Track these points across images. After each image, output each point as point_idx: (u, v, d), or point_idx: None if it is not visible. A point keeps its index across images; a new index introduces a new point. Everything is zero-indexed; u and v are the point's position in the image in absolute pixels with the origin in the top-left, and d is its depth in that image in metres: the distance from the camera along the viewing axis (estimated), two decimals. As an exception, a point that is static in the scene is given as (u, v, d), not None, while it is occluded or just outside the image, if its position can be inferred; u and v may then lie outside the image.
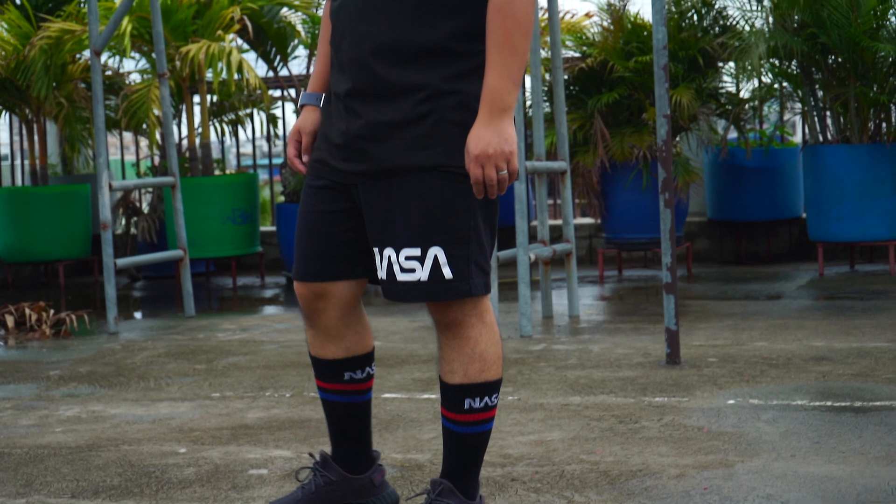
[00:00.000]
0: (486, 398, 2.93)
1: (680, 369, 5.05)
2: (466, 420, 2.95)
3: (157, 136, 9.23)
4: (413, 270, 2.79)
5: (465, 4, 2.76)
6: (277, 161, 10.73)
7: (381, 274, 2.86)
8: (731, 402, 4.41)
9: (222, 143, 10.53)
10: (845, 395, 4.43)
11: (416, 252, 2.79)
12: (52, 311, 7.01)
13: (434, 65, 2.76)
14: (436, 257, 2.78)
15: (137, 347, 6.32)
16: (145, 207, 9.84)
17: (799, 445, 3.75)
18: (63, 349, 6.39)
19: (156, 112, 8.63)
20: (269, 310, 8.03)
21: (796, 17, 7.78)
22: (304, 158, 3.02)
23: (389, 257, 2.82)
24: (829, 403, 4.32)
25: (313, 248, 2.98)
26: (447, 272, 2.79)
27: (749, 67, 7.61)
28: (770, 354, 5.28)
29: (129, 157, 13.61)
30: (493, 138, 2.70)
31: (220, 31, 8.67)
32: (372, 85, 2.80)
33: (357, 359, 3.14)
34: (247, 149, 15.22)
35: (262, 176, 11.49)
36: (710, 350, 5.46)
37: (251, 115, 10.29)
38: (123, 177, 11.28)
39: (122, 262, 7.14)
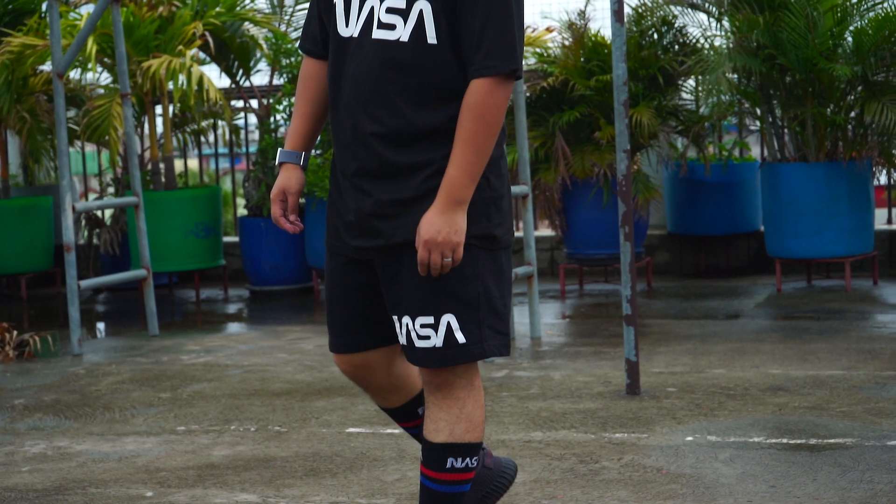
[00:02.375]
0: (468, 459, 3.05)
1: (640, 401, 5.13)
2: (447, 479, 3.05)
3: (120, 148, 9.23)
4: (428, 338, 2.94)
5: (459, 92, 2.89)
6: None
7: (402, 340, 3.01)
8: (690, 438, 4.49)
9: (185, 155, 10.54)
10: (801, 432, 4.53)
11: (430, 320, 2.94)
12: (14, 333, 7.02)
13: (436, 144, 2.90)
14: (448, 324, 2.93)
15: (102, 372, 6.35)
16: (107, 218, 9.85)
17: (756, 489, 3.84)
18: (27, 373, 6.40)
19: (118, 128, 8.61)
20: (233, 327, 8.07)
21: (755, 37, 7.86)
22: (292, 218, 3.12)
23: (407, 325, 2.97)
24: (784, 441, 4.41)
25: (342, 322, 3.14)
26: (460, 337, 2.94)
27: (711, 88, 7.68)
28: (728, 384, 5.37)
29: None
30: (443, 227, 2.85)
31: (181, 47, 8.68)
32: (378, 166, 2.93)
33: (421, 395, 3.27)
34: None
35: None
36: (670, 378, 5.54)
37: (214, 126, 10.30)
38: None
39: (85, 283, 7.16)
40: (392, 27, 2.89)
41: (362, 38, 2.93)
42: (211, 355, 6.72)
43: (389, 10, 2.89)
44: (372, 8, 2.91)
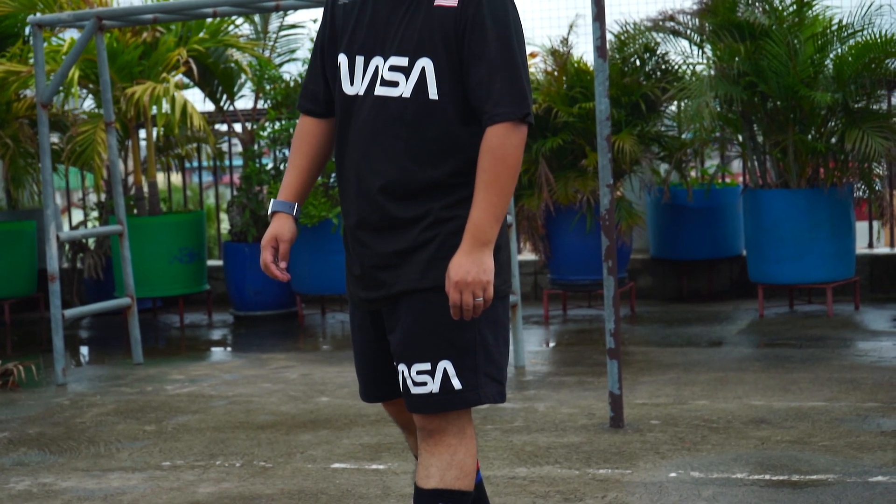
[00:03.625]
0: None
1: (623, 434, 5.16)
2: None
3: (104, 174, 9.24)
4: (425, 384, 2.99)
5: (462, 146, 2.97)
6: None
7: (402, 388, 3.05)
8: (673, 474, 4.52)
9: (169, 179, 10.55)
10: (783, 467, 4.56)
11: (427, 366, 2.98)
12: (-1, 362, 7.02)
13: (435, 196, 2.98)
14: (445, 370, 2.98)
15: (86, 403, 6.35)
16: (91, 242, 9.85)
17: (738, 529, 3.86)
18: (11, 404, 6.40)
19: (102, 155, 8.61)
20: (217, 354, 8.07)
21: (736, 66, 7.91)
22: (282, 265, 3.17)
23: (403, 372, 3.01)
24: (767, 477, 4.44)
25: (366, 374, 3.22)
26: (456, 383, 2.99)
27: (694, 115, 7.72)
28: (711, 416, 5.40)
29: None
30: (472, 267, 2.90)
31: (165, 73, 8.70)
32: (379, 219, 3.00)
33: None
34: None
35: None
36: (653, 410, 5.57)
37: (198, 150, 10.31)
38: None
39: (70, 313, 7.16)
40: (395, 84, 2.96)
41: (367, 96, 3.00)
42: (195, 385, 6.72)
43: (392, 68, 2.97)
44: (377, 67, 2.99)
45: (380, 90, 2.98)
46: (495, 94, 2.91)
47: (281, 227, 3.16)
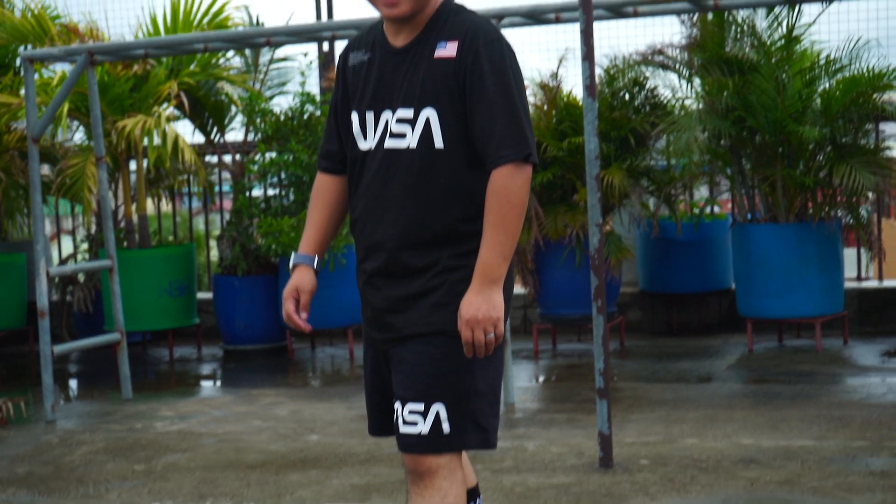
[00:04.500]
0: None
1: (613, 474, 5.16)
2: None
3: (94, 206, 9.24)
4: (415, 423, 3.06)
5: (470, 192, 3.07)
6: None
7: (394, 424, 3.13)
8: (663, 517, 4.52)
9: (159, 211, 10.55)
10: (772, 510, 4.57)
11: (420, 407, 3.06)
12: (-12, 398, 7.01)
13: (445, 245, 3.08)
14: (437, 413, 3.06)
15: (75, 441, 6.33)
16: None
17: (727, 575, 3.86)
18: (0, 442, 6.38)
19: (92, 189, 8.61)
20: (207, 390, 8.06)
21: (724, 100, 7.94)
22: (303, 315, 3.27)
23: (397, 410, 3.09)
24: (756, 520, 4.44)
25: (376, 408, 3.31)
26: (446, 427, 3.06)
27: (683, 149, 7.75)
28: (700, 455, 5.40)
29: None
30: (482, 305, 2.99)
31: (156, 107, 8.71)
32: (393, 267, 3.11)
33: (475, 490, 3.41)
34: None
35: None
36: (643, 449, 5.57)
37: (188, 182, 10.32)
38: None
39: (59, 349, 7.15)
40: (402, 136, 3.07)
41: (377, 150, 3.11)
42: (185, 422, 6.71)
43: (399, 121, 3.07)
44: (387, 121, 3.10)
45: (389, 142, 3.09)
46: (497, 137, 3.00)
47: (302, 279, 3.27)
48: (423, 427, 3.05)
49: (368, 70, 3.17)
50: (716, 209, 9.40)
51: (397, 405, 3.09)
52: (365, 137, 3.15)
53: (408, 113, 3.07)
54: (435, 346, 3.06)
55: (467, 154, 3.05)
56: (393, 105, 3.09)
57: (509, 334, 6.79)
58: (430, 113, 3.05)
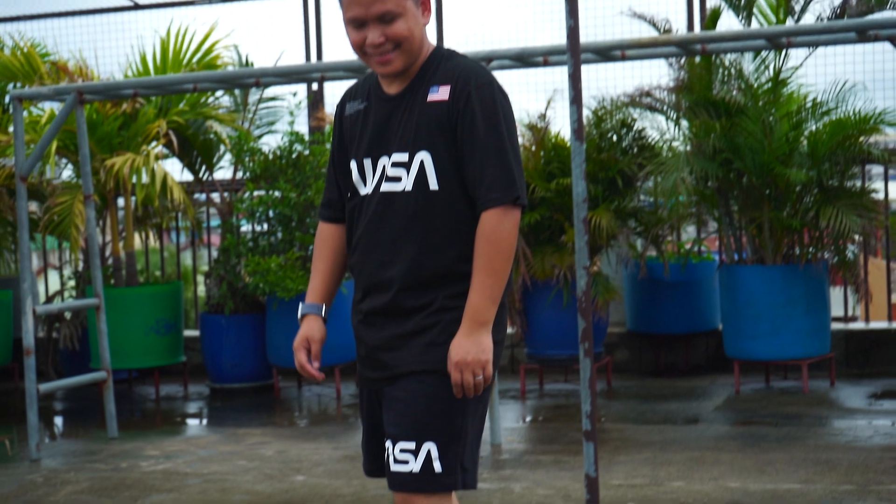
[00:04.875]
0: None
1: (599, 517, 5.14)
2: None
3: (81, 243, 9.23)
4: (406, 462, 3.09)
5: (464, 232, 3.13)
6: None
7: (385, 463, 3.16)
8: (649, 561, 4.51)
9: (146, 249, 10.54)
10: (759, 554, 4.55)
11: (411, 445, 3.09)
12: (-28, 437, 6.97)
13: (441, 285, 3.13)
14: (429, 451, 3.09)
15: (60, 480, 6.30)
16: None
17: None
18: (-16, 481, 6.36)
19: (79, 227, 8.60)
20: (193, 429, 8.03)
21: (712, 142, 7.97)
22: (315, 364, 3.32)
23: (388, 448, 3.12)
24: (743, 564, 4.43)
25: (370, 448, 3.34)
26: (437, 466, 3.09)
27: (670, 191, 7.77)
28: (687, 498, 5.39)
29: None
30: (471, 348, 3.05)
31: (144, 145, 8.72)
32: (390, 306, 3.16)
33: None
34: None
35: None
36: (629, 492, 5.56)
37: (176, 220, 10.32)
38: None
39: (45, 387, 7.13)
40: (398, 179, 3.14)
41: (374, 194, 3.18)
42: (170, 461, 6.69)
43: (395, 164, 3.14)
44: (384, 166, 3.16)
45: (385, 186, 3.15)
46: (487, 180, 3.07)
47: (312, 329, 3.33)
48: (415, 465, 3.07)
49: (364, 118, 3.24)
50: (703, 248, 9.40)
51: (388, 443, 3.12)
52: (364, 184, 3.21)
53: (403, 157, 3.13)
54: (427, 384, 3.10)
55: (462, 195, 3.11)
56: (389, 150, 3.15)
57: (496, 375, 6.79)
58: (424, 156, 3.11)
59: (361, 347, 3.25)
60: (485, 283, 3.05)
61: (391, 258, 3.14)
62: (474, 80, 3.12)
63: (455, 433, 3.10)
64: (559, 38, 8.98)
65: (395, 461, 3.09)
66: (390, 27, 3.10)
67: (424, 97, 3.14)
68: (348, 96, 3.35)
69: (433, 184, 3.11)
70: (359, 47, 3.16)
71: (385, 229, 3.14)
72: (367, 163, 3.20)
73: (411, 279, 3.12)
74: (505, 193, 3.06)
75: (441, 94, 3.13)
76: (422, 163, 3.11)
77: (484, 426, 3.21)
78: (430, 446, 3.07)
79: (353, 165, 3.24)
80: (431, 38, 3.24)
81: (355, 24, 3.13)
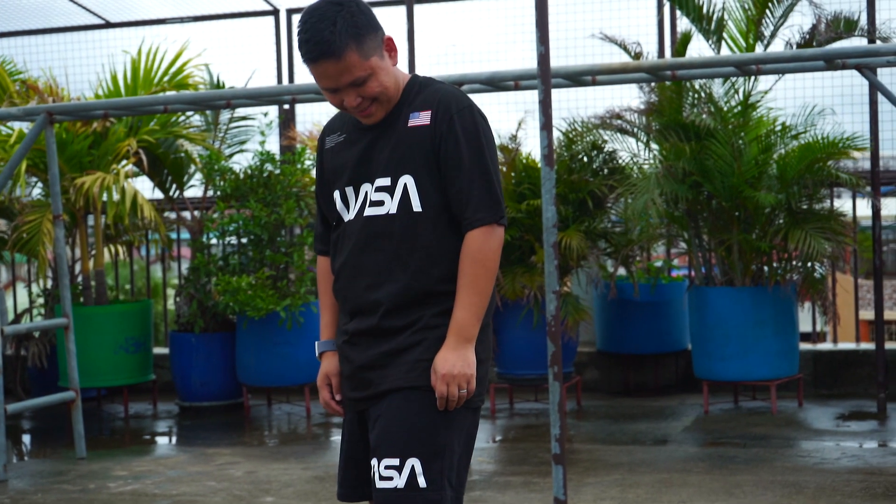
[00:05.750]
0: None
1: (568, 541, 5.15)
2: None
3: (50, 260, 9.20)
4: (391, 478, 3.12)
5: (448, 253, 3.20)
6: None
7: (372, 482, 3.19)
8: (617, 586, 4.52)
9: (116, 266, 10.52)
10: (726, 579, 4.57)
11: (395, 462, 3.12)
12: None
13: (426, 305, 3.20)
14: (413, 468, 3.12)
15: (27, 502, 6.28)
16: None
17: None
18: (-49, 502, 6.32)
19: (47, 245, 8.58)
20: (162, 448, 8.00)
21: (682, 165, 8.02)
22: (338, 397, 3.41)
23: (374, 467, 3.16)
24: (710, 589, 4.45)
25: (347, 473, 3.37)
26: (422, 481, 3.12)
27: (640, 213, 7.81)
28: (655, 522, 5.42)
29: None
30: (457, 361, 3.12)
31: (115, 164, 8.71)
32: (377, 328, 3.21)
33: None
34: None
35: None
36: (598, 515, 5.58)
37: (146, 237, 10.30)
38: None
39: (12, 408, 7.10)
40: (381, 203, 3.20)
41: (357, 219, 3.24)
42: (139, 482, 6.66)
43: (378, 189, 3.21)
44: (366, 192, 3.23)
45: (369, 211, 3.22)
46: (473, 201, 3.16)
47: (330, 365, 3.42)
48: (399, 481, 3.11)
49: (345, 149, 3.31)
50: (674, 263, 9.45)
51: (374, 461, 3.16)
52: (348, 210, 3.28)
53: (385, 181, 3.20)
54: (412, 401, 3.15)
55: (445, 216, 3.19)
56: (371, 177, 3.22)
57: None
58: (407, 179, 3.18)
59: (346, 367, 3.29)
60: (470, 300, 3.14)
61: (378, 281, 3.20)
62: (455, 104, 3.20)
63: (439, 449, 3.13)
64: (531, 53, 9.00)
65: (381, 478, 3.13)
66: (364, 88, 3.17)
67: (405, 123, 3.22)
68: (328, 131, 3.42)
69: (417, 206, 3.17)
70: (338, 106, 3.25)
71: (370, 253, 3.21)
72: (350, 190, 3.26)
73: (398, 301, 3.18)
74: (490, 214, 3.16)
75: (422, 119, 3.20)
76: (405, 186, 3.18)
77: (472, 451, 3.26)
78: (413, 462, 3.11)
79: (337, 195, 3.30)
80: (403, 58, 3.30)
81: (329, 90, 3.20)
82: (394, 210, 3.18)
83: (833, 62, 6.22)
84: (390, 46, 3.23)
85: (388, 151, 3.21)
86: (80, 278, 9.42)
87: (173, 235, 10.37)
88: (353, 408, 3.30)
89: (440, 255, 3.19)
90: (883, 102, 8.33)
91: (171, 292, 11.76)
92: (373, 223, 3.21)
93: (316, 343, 3.45)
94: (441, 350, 3.14)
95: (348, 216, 3.27)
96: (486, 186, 3.18)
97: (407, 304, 3.18)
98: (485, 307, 3.17)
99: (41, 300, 10.03)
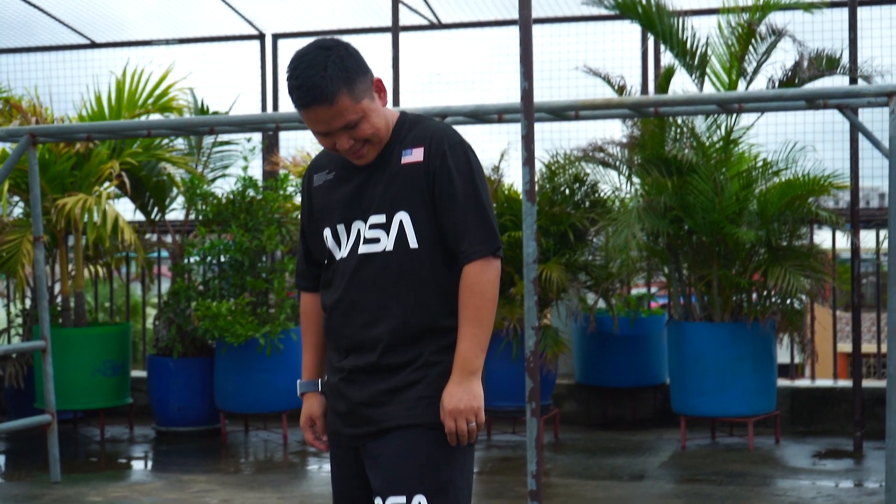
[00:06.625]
0: None
1: (542, 578, 5.14)
2: None
3: (28, 280, 9.17)
4: None
5: (445, 288, 3.22)
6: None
7: None
8: None
9: (96, 288, 10.49)
10: None
11: (402, 500, 3.14)
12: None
13: (426, 341, 3.21)
14: None
15: (0, 527, 6.25)
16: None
17: None
18: (-77, 526, 6.28)
19: (25, 266, 8.55)
20: (137, 473, 7.97)
21: (663, 200, 8.04)
22: (324, 439, 3.42)
23: None
24: None
25: None
26: None
27: (621, 247, 7.82)
28: (630, 560, 5.41)
29: None
30: (464, 396, 3.14)
31: (97, 187, 8.69)
32: (375, 365, 3.22)
33: None
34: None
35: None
36: (573, 552, 5.57)
37: (126, 259, 10.28)
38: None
39: (-13, 431, 7.06)
40: (377, 240, 3.22)
41: (350, 257, 3.25)
42: (113, 509, 6.64)
43: (373, 227, 3.23)
44: (358, 230, 3.25)
45: (363, 248, 3.23)
46: (469, 234, 3.19)
47: (313, 407, 3.42)
48: None
49: (336, 187, 3.32)
50: (654, 293, 9.46)
51: (377, 500, 3.16)
52: (339, 248, 3.29)
53: (380, 218, 3.22)
54: (415, 438, 3.16)
55: (440, 251, 3.21)
56: (364, 215, 3.24)
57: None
58: (403, 216, 3.20)
59: (342, 404, 3.28)
60: (473, 332, 3.16)
61: (376, 318, 3.21)
62: (447, 140, 3.24)
63: (444, 485, 3.15)
64: (515, 78, 9.02)
65: None
66: (356, 131, 3.19)
67: (398, 160, 3.24)
68: (315, 168, 3.42)
69: (413, 242, 3.20)
70: (330, 149, 3.26)
71: (367, 290, 3.22)
72: (341, 228, 3.28)
73: (398, 337, 3.20)
74: (487, 246, 3.20)
75: (415, 156, 3.23)
76: (401, 222, 3.20)
77: (472, 485, 3.28)
78: (420, 499, 3.13)
79: (328, 232, 3.31)
80: (387, 86, 3.31)
81: (321, 134, 3.22)
82: (390, 247, 3.21)
83: (814, 102, 6.26)
84: (379, 87, 3.25)
85: (382, 189, 3.23)
86: (59, 299, 9.38)
87: (154, 261, 10.34)
88: (348, 444, 3.29)
89: (437, 290, 3.21)
90: (864, 139, 8.36)
91: (150, 311, 11.72)
92: (369, 261, 3.22)
93: (298, 382, 3.44)
94: (447, 385, 3.16)
95: (340, 254, 3.28)
96: (481, 219, 3.21)
97: (406, 341, 3.19)
98: (488, 339, 3.20)
99: (19, 320, 9.99)
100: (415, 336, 3.20)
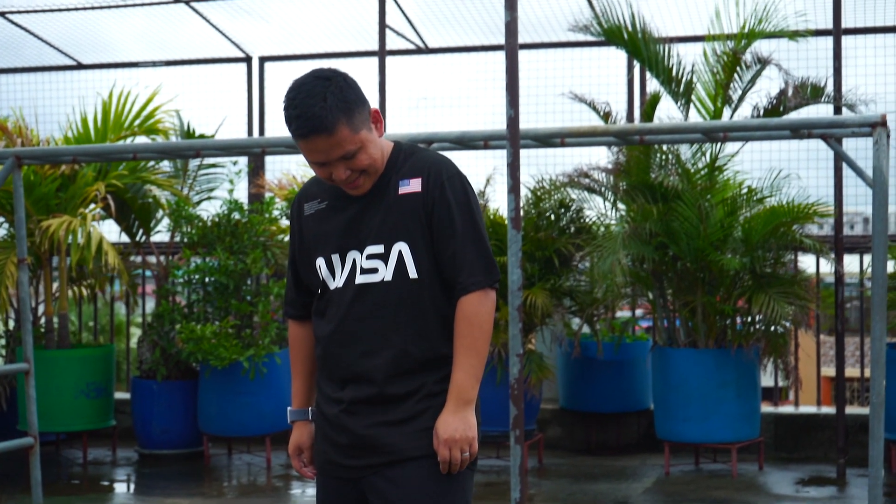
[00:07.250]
0: None
1: None
2: None
3: (12, 301, 9.14)
4: None
5: (445, 317, 3.23)
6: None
7: None
8: None
9: (80, 309, 10.46)
10: None
11: None
12: None
13: (427, 371, 3.23)
14: None
15: (-19, 551, 6.21)
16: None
17: None
18: None
19: (9, 288, 8.53)
20: (119, 497, 7.94)
21: (648, 226, 8.06)
22: (311, 468, 3.44)
23: None
24: None
25: None
26: None
27: (606, 273, 7.84)
28: (613, 588, 5.41)
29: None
30: (458, 425, 3.16)
31: (82, 209, 8.68)
32: (378, 396, 3.22)
33: None
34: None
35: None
36: (556, 579, 5.57)
37: (111, 281, 10.25)
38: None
39: (-31, 453, 7.03)
40: (374, 270, 3.23)
41: (346, 287, 3.25)
42: (95, 533, 6.61)
43: (370, 257, 3.24)
44: (354, 260, 3.25)
45: (361, 279, 3.24)
46: (468, 266, 3.20)
47: (301, 437, 3.47)
48: None
49: (329, 217, 3.32)
50: (638, 315, 9.47)
51: None
52: (334, 278, 3.29)
53: (378, 248, 3.23)
54: (422, 468, 3.18)
55: (438, 281, 3.22)
56: (360, 245, 3.25)
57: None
58: (402, 246, 3.22)
59: (343, 436, 3.28)
60: (469, 362, 3.18)
61: (375, 348, 3.22)
62: (445, 172, 3.26)
63: None
64: (501, 101, 9.04)
65: None
66: (353, 161, 3.20)
67: (395, 191, 3.25)
68: (305, 197, 3.42)
69: (412, 272, 3.22)
70: (326, 179, 3.26)
71: (366, 320, 3.23)
72: (336, 258, 3.28)
73: (398, 367, 3.21)
74: (485, 277, 3.22)
75: (413, 186, 3.24)
76: (400, 253, 3.22)
77: None
78: None
79: (321, 262, 3.31)
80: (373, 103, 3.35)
81: (318, 164, 3.22)
82: (389, 277, 3.22)
83: (799, 132, 6.28)
84: (376, 118, 3.26)
85: (380, 219, 3.24)
86: (42, 320, 9.35)
87: (139, 283, 10.32)
88: (347, 475, 3.29)
89: (437, 319, 3.23)
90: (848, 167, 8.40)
91: (135, 331, 11.71)
92: (367, 291, 3.24)
93: (288, 410, 3.45)
94: (442, 414, 3.18)
95: (335, 284, 3.28)
96: (480, 250, 3.23)
97: (407, 371, 3.21)
98: (482, 369, 3.21)
99: (2, 341, 9.96)
100: (416, 365, 3.22)
